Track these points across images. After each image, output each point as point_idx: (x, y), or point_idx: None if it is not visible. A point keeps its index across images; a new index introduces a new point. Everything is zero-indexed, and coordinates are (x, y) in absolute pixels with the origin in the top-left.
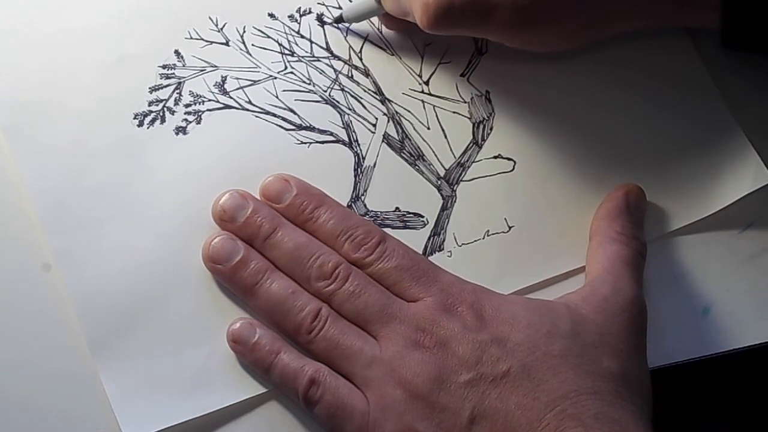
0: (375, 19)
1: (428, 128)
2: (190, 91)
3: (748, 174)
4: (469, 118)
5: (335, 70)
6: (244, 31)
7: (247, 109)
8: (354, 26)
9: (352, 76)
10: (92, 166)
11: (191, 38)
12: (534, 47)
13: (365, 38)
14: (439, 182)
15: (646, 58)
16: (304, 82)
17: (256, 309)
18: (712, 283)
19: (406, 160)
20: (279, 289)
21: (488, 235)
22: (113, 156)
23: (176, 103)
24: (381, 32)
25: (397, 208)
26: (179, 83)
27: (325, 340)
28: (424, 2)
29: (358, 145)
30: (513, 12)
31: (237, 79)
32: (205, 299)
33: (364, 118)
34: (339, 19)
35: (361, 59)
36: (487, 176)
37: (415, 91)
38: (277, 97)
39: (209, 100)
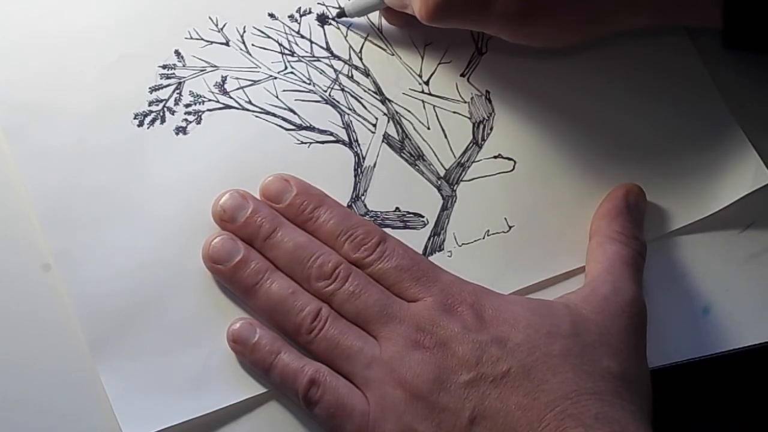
0: (375, 19)
1: (428, 128)
2: (190, 91)
3: (748, 174)
4: (469, 118)
5: (335, 70)
6: (244, 31)
7: (247, 109)
8: (354, 26)
9: (352, 76)
10: (92, 166)
11: (191, 38)
12: (533, 42)
13: (365, 38)
14: (439, 182)
15: (646, 58)
16: (304, 82)
17: (256, 309)
18: (712, 283)
19: (406, 160)
20: (279, 289)
21: (488, 235)
22: (113, 156)
23: (176, 103)
24: (381, 32)
25: (397, 208)
26: (179, 83)
27: (325, 340)
28: None
29: (358, 145)
30: (513, 3)
31: (237, 79)
32: (205, 299)
33: (364, 118)
34: (341, 14)
35: (361, 59)
36: (487, 176)
37: (415, 91)
38: (277, 97)
39: (209, 100)
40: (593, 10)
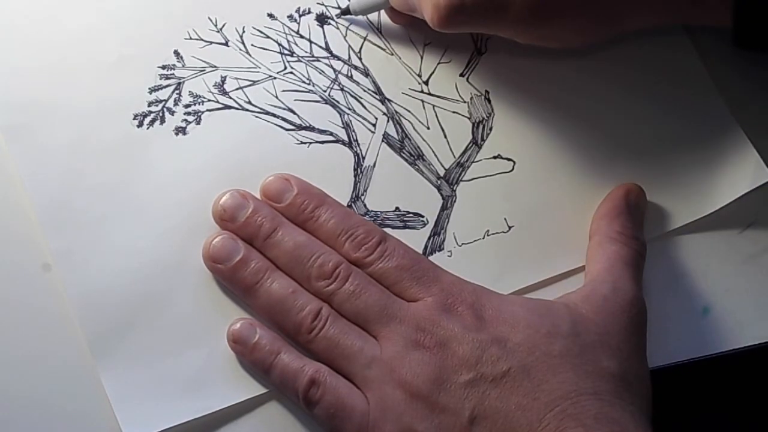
0: (375, 18)
1: (428, 128)
2: (189, 91)
3: (748, 172)
4: (469, 118)
5: (335, 70)
6: (244, 32)
7: (247, 110)
8: (353, 25)
9: (351, 76)
10: (92, 166)
11: (191, 39)
12: (547, 43)
13: (364, 38)
14: (439, 182)
15: (646, 58)
16: (303, 82)
17: (256, 308)
18: (712, 283)
19: (406, 160)
20: (279, 289)
21: (488, 235)
22: (113, 156)
23: (176, 104)
24: (381, 32)
25: (397, 208)
26: (179, 84)
27: (325, 339)
28: (434, 1)
29: (358, 144)
30: (527, 7)
31: (236, 79)
32: (205, 299)
33: (364, 118)
34: (345, 11)
35: (360, 59)
36: (486, 176)
37: (414, 90)
38: (276, 97)
39: (209, 101)
40: (607, 12)
